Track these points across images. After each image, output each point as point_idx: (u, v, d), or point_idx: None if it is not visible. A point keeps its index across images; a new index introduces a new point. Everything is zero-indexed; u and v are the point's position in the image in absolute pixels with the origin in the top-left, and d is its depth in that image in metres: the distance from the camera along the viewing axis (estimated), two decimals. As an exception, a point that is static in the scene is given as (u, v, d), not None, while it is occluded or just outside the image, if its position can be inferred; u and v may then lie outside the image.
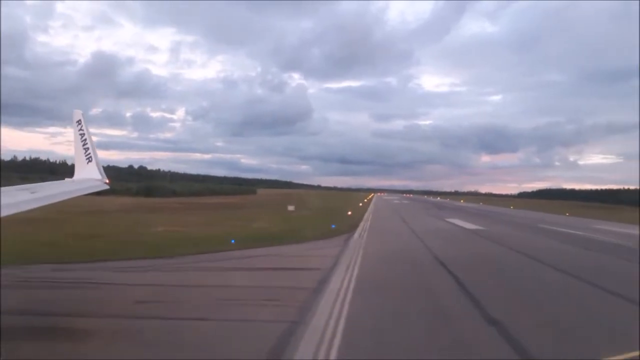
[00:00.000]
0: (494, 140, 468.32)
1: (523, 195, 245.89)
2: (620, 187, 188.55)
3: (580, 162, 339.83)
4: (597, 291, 12.65)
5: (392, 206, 74.09)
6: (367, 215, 45.83)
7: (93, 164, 11.13)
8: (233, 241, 20.51)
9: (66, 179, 10.66)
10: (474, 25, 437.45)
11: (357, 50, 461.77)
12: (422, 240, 23.72)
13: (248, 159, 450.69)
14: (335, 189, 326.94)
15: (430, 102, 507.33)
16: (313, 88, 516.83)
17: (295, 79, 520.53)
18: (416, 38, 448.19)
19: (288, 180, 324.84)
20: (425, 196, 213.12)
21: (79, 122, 11.34)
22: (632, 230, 36.10)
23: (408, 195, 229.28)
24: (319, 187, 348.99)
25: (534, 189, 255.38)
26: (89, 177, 10.89)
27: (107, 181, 11.05)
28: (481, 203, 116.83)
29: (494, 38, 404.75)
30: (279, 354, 7.05)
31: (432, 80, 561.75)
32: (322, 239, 23.19)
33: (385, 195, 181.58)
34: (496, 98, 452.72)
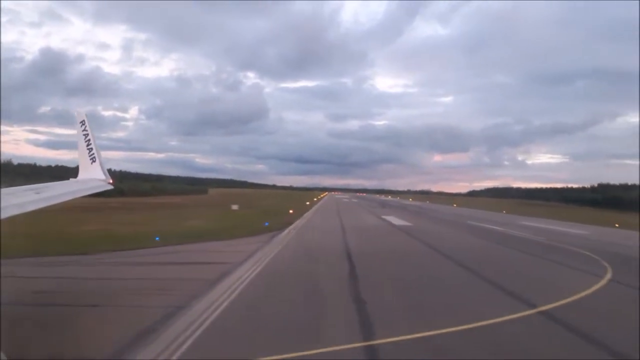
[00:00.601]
0: (445, 140, 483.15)
1: (473, 194, 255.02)
2: (564, 185, 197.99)
3: (528, 162, 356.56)
4: (472, 277, 14.24)
5: (338, 204, 75.80)
6: (308, 213, 47.06)
7: (97, 164, 11.29)
8: (157, 238, 21.08)
9: (70, 179, 10.84)
10: (426, 28, 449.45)
11: (312, 51, 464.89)
12: (345, 236, 25.09)
13: (203, 159, 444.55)
14: (290, 188, 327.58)
15: (385, 102, 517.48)
16: (269, 87, 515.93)
17: (251, 78, 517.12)
18: (370, 39, 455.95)
19: (243, 179, 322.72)
20: (378, 195, 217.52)
21: (82, 122, 11.42)
22: (554, 226, 39.04)
23: (361, 194, 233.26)
24: (274, 186, 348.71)
25: (484, 188, 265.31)
26: (92, 177, 11.08)
27: (111, 181, 11.22)
28: (428, 201, 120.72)
29: (445, 40, 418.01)
30: (150, 331, 7.98)
31: (386, 81, 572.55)
32: (250, 236, 24.06)
33: (338, 194, 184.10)
34: (447, 99, 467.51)
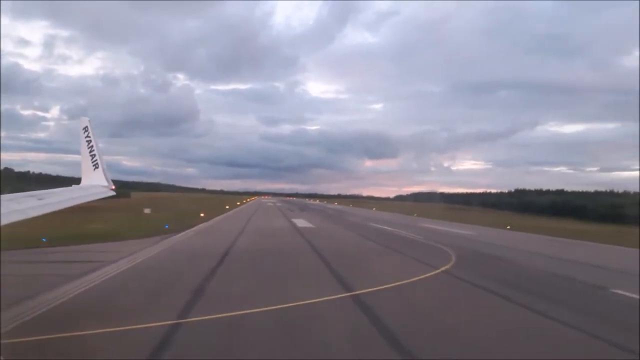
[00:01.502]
0: (376, 146, 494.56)
1: (399, 199, 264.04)
2: (484, 190, 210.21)
3: (454, 168, 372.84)
4: (322, 268, 16.03)
5: (258, 208, 76.87)
6: (220, 217, 47.90)
7: (100, 170, 11.37)
8: (44, 240, 21.33)
9: (73, 186, 10.79)
10: (356, 36, 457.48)
11: (244, 53, 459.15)
12: (239, 237, 26.45)
13: (129, 161, 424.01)
14: (221, 192, 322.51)
15: (317, 107, 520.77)
16: (199, 89, 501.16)
17: (181, 79, 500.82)
18: (302, 44, 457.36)
19: (171, 183, 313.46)
20: (307, 199, 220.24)
21: (85, 129, 11.47)
22: (444, 227, 42.50)
23: (290, 198, 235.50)
24: (203, 190, 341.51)
25: (410, 192, 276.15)
26: (95, 183, 11.14)
27: (113, 187, 11.34)
28: (351, 205, 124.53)
29: (374, 49, 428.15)
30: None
31: (318, 86, 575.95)
32: (142, 238, 24.67)
33: (266, 199, 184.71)
34: (378, 106, 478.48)
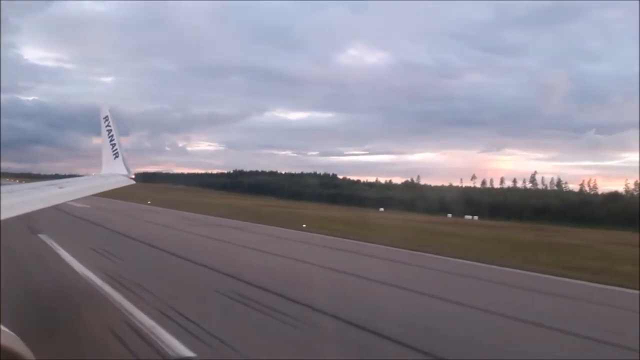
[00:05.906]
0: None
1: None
2: (216, 171, 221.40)
3: (189, 149, 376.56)
4: None
5: None
6: None
7: (120, 159, 11.25)
8: None
9: (93, 174, 10.94)
10: (80, 1, 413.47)
11: None
12: None
13: None
14: None
15: (35, 76, 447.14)
16: None
17: None
18: (11, 2, 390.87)
19: None
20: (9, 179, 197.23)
21: (106, 118, 11.42)
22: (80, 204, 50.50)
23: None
24: None
25: (140, 172, 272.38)
26: (115, 172, 11.03)
27: (133, 176, 11.20)
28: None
29: (102, 17, 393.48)
30: None
31: (36, 52, 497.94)
32: None
33: None
34: (108, 80, 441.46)
